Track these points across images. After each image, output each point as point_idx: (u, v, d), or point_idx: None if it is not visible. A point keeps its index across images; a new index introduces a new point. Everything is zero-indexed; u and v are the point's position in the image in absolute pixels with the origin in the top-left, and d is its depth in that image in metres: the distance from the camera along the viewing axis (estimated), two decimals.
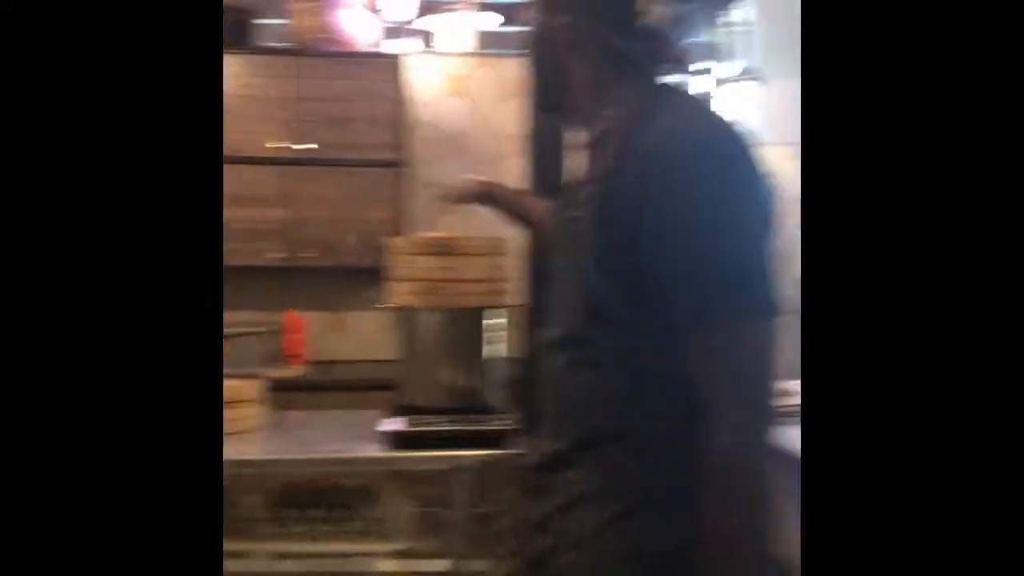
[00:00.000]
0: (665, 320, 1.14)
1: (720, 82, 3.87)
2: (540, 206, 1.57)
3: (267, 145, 3.64)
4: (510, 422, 2.15)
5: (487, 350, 2.27)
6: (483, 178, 1.97)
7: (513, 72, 4.06)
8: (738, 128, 1.17)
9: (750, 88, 3.84)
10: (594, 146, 1.31)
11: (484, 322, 2.26)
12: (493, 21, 4.04)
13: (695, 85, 2.98)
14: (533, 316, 2.66)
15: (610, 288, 1.18)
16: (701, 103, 1.27)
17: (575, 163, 1.40)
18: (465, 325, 2.20)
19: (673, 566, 1.14)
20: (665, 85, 1.32)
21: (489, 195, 1.95)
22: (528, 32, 1.46)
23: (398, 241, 2.25)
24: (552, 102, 1.43)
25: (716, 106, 2.61)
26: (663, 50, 1.29)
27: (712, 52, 3.84)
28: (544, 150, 2.88)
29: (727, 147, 1.17)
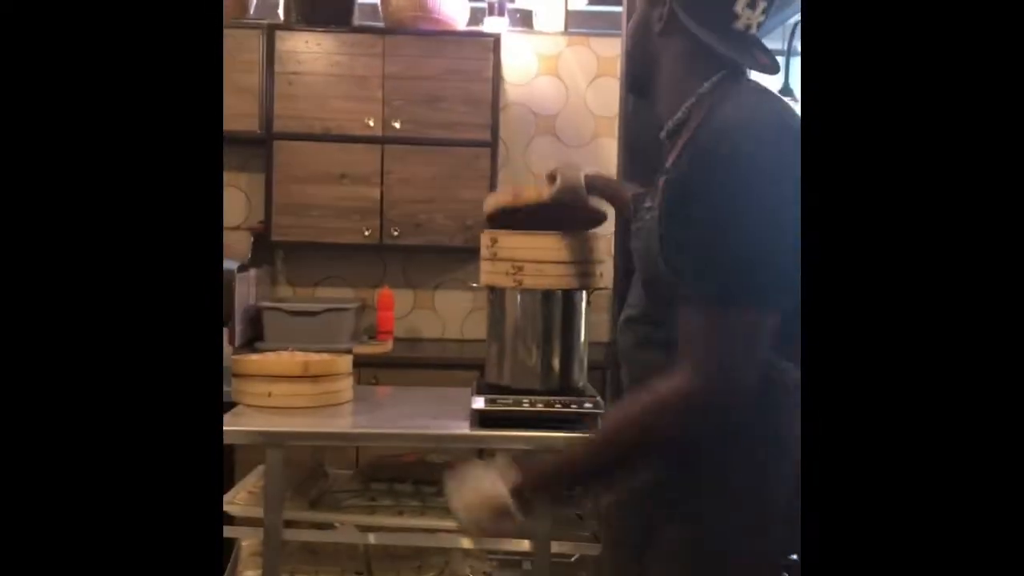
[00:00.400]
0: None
1: None
2: (629, 194, 1.61)
3: (362, 123, 3.69)
4: (595, 404, 2.16)
5: (572, 332, 2.27)
6: (592, 170, 2.00)
7: (602, 52, 4.04)
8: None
9: None
10: (671, 136, 1.36)
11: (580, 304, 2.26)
12: (581, 0, 4.03)
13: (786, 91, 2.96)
14: (619, 298, 2.65)
15: (669, 273, 1.27)
16: (770, 100, 1.28)
17: (658, 152, 1.44)
18: (555, 306, 2.21)
19: (708, 515, 1.30)
20: (746, 83, 1.33)
21: (592, 186, 2.01)
22: (625, 16, 1.47)
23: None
24: (640, 88, 1.46)
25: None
26: (754, 55, 1.32)
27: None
28: (635, 133, 2.86)
29: (780, 140, 1.18)
